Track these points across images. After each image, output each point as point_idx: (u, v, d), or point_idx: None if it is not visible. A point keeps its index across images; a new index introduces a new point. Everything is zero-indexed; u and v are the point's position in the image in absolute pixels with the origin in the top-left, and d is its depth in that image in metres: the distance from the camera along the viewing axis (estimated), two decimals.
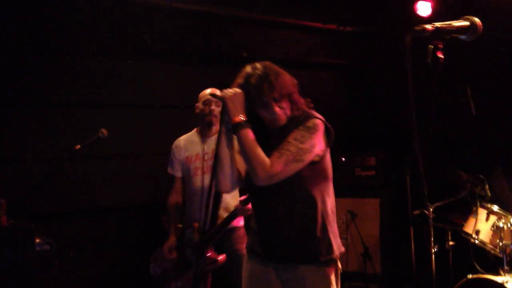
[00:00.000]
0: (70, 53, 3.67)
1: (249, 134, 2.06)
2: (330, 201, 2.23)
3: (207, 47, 4.28)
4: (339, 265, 2.25)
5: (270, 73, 2.10)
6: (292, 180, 2.08)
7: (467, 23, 1.14)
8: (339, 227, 4.35)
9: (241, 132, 2.05)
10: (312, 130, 2.09)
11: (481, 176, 3.51)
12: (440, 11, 4.19)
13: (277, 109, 2.12)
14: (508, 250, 3.30)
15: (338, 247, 2.23)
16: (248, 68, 2.14)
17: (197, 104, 3.29)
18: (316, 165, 2.13)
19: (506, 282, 3.15)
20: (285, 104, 2.13)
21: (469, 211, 3.56)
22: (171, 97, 4.09)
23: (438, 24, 1.14)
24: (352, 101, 5.28)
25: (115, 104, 3.87)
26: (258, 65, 2.13)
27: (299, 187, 2.12)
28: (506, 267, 3.28)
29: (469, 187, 3.54)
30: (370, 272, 4.29)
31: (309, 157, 2.08)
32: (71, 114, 3.69)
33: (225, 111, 2.09)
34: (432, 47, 1.09)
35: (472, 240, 3.48)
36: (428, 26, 1.13)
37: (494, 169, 3.79)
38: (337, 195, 3.48)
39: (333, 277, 2.18)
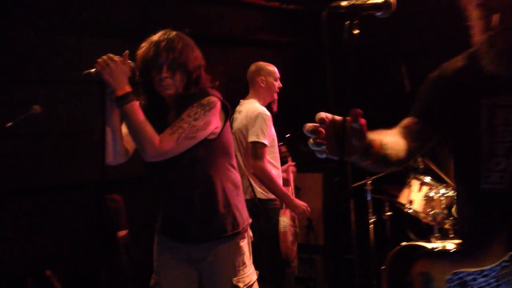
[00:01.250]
0: (7, 28, 3.51)
1: (135, 108, 1.95)
2: (232, 176, 2.21)
3: (149, 22, 4.20)
4: (250, 233, 2.28)
5: (177, 39, 2.06)
6: (189, 159, 2.05)
7: (380, 0, 1.20)
8: None
9: (126, 106, 1.93)
10: (207, 107, 2.04)
11: None
12: None
13: (167, 74, 2.04)
14: (438, 218, 3.48)
15: (245, 218, 2.24)
16: (163, 31, 2.10)
17: (261, 78, 3.40)
18: (213, 142, 2.11)
19: (436, 248, 3.34)
20: (179, 77, 2.06)
21: (403, 183, 3.75)
22: None
23: (353, 1, 1.19)
24: (297, 78, 5.35)
25: (52, 80, 3.75)
26: (173, 31, 2.09)
27: (196, 166, 2.09)
28: (437, 234, 3.48)
29: None
30: (314, 244, 4.44)
31: (202, 135, 2.04)
32: (4, 90, 3.55)
33: (105, 84, 1.95)
34: (348, 23, 1.15)
35: (406, 209, 3.67)
36: (344, 3, 1.18)
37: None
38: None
39: (244, 246, 2.21)
